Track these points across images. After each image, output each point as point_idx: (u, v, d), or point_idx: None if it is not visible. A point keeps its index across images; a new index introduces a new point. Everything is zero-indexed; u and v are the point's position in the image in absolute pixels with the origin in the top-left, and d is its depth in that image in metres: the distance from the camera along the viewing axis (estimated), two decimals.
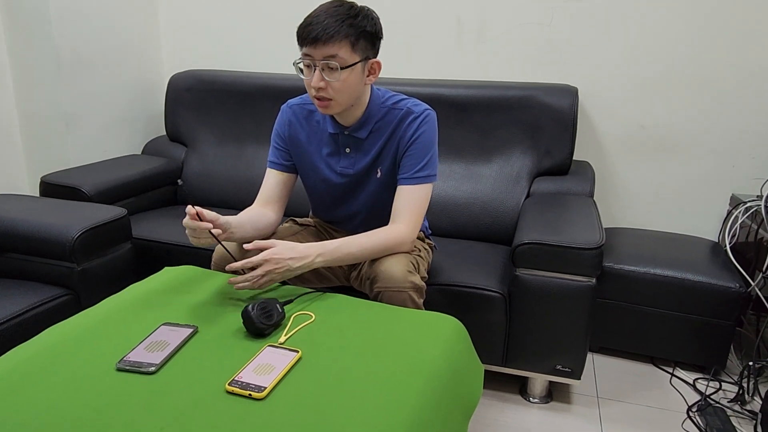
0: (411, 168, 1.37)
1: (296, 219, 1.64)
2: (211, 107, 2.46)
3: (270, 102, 2.32)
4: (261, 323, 1.06)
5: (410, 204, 1.37)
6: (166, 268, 1.41)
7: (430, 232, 1.68)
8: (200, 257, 1.82)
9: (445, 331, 1.14)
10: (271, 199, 1.47)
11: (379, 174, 1.43)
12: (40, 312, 1.49)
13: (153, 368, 0.95)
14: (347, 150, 1.43)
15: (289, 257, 1.22)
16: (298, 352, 1.01)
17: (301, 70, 1.29)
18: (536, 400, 1.75)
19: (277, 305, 1.12)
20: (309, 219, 1.66)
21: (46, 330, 1.11)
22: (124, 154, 2.54)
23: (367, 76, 1.32)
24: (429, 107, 1.40)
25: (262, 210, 1.45)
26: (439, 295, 1.63)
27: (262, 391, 0.89)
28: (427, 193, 1.39)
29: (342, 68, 1.24)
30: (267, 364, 0.97)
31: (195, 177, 2.42)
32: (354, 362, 1.00)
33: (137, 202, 2.25)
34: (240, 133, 2.41)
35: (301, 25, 1.24)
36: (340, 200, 1.51)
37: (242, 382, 0.91)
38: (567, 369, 1.63)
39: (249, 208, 1.45)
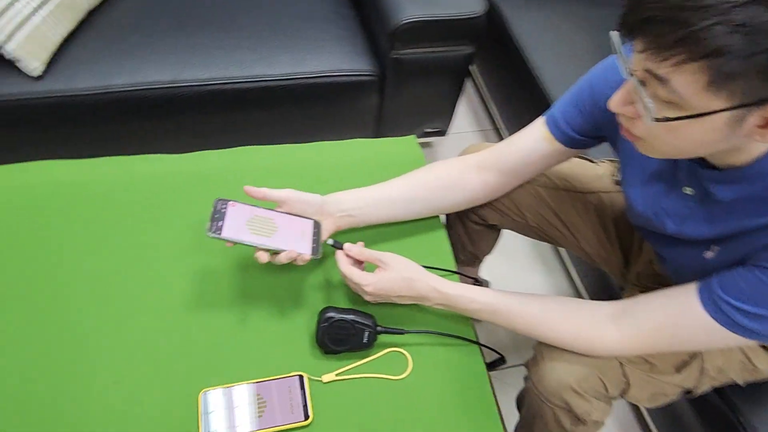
0: (739, 291, 0.67)
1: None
2: None
3: None
4: (325, 344, 0.79)
5: (672, 329, 0.74)
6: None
7: None
8: None
9: None
10: (509, 170, 0.90)
11: (711, 254, 0.74)
12: (333, 83, 1.39)
13: None
14: (686, 190, 0.74)
15: (396, 295, 0.81)
16: (308, 418, 0.73)
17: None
18: None
19: (367, 331, 0.79)
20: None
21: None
22: None
23: (761, 127, 0.55)
24: None
25: (470, 175, 0.91)
26: None
27: None
28: (723, 341, 0.70)
29: (672, 117, 0.55)
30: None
31: None
32: None
33: None
34: None
35: None
36: (647, 237, 0.89)
37: None
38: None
39: (435, 169, 0.92)
